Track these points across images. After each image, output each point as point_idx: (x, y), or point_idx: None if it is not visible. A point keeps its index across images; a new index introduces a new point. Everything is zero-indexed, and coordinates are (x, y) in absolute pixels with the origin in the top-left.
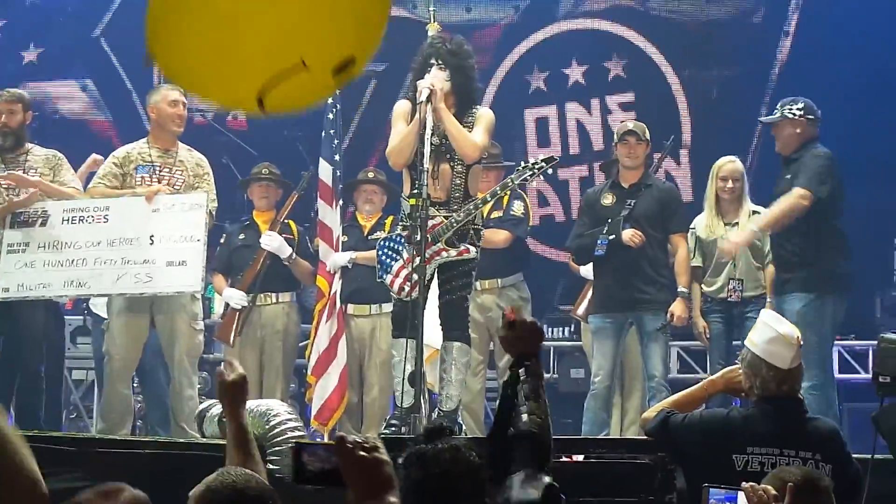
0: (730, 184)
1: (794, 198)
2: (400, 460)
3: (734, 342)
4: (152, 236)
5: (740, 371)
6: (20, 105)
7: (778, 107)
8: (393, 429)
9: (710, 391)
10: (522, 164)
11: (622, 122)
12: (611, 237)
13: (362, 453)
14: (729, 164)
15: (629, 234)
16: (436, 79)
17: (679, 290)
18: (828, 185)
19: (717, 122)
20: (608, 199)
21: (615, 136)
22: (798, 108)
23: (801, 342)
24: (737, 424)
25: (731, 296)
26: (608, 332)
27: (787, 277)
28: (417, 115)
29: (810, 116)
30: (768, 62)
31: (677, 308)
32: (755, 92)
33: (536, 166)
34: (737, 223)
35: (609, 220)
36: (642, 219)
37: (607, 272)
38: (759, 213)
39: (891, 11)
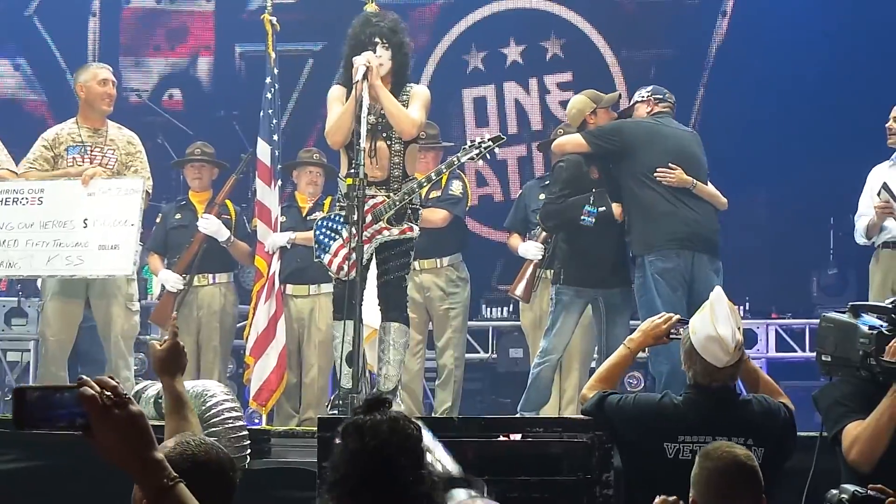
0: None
1: None
2: (338, 429)
3: None
4: (86, 219)
5: (655, 322)
6: None
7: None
8: (336, 410)
9: (632, 349)
10: (469, 142)
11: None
12: (601, 209)
13: (111, 405)
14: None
15: (619, 209)
16: (373, 57)
17: None
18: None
19: None
20: (594, 172)
21: (591, 104)
22: (647, 91)
23: (741, 344)
24: (669, 412)
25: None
26: (578, 307)
27: None
28: (353, 93)
29: (658, 96)
30: (705, 42)
31: None
32: (693, 72)
33: (483, 145)
34: None
35: (594, 190)
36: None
37: (591, 245)
38: None
39: None
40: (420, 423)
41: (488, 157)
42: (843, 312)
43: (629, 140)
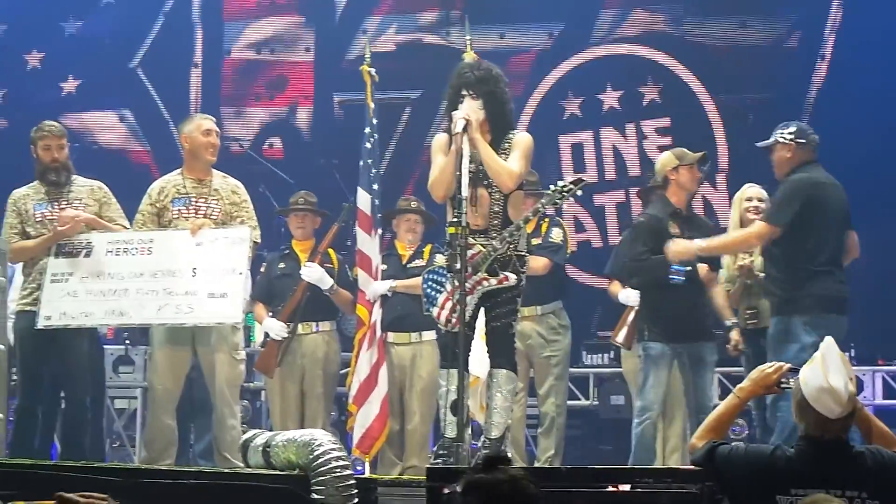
0: (755, 203)
1: (751, 230)
2: (458, 488)
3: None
4: (195, 268)
5: (765, 370)
6: (65, 139)
7: (775, 131)
8: (440, 460)
9: (742, 398)
10: (551, 187)
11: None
12: (688, 268)
13: None
14: (752, 187)
15: (706, 269)
16: (469, 109)
17: (728, 322)
18: (788, 211)
19: (754, 147)
20: (674, 228)
21: (673, 161)
22: (789, 132)
23: (854, 394)
24: (781, 465)
25: (748, 325)
26: (667, 361)
27: (768, 302)
28: (454, 146)
29: (801, 140)
30: (804, 86)
31: (737, 335)
32: (791, 116)
33: (565, 189)
34: (751, 259)
35: None
36: None
37: (677, 301)
38: None
39: None
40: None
41: (581, 201)
42: None
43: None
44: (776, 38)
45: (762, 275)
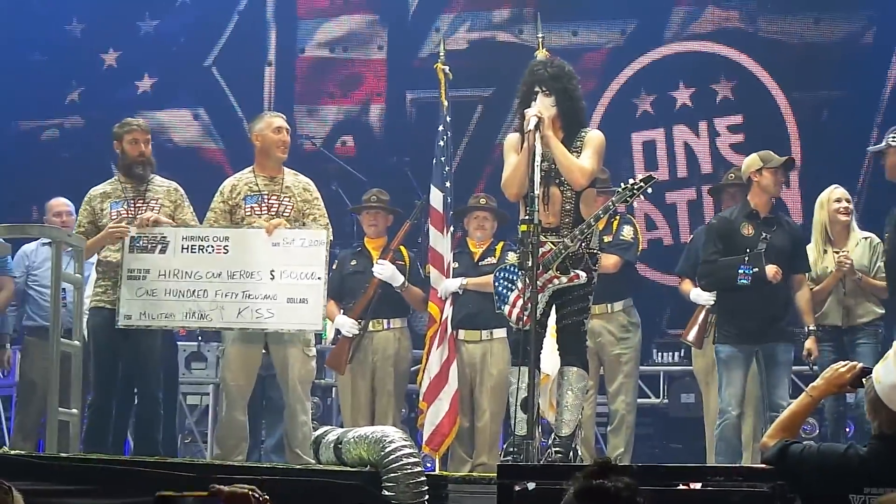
0: (844, 204)
1: None
2: (571, 489)
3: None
4: (272, 271)
5: (838, 369)
6: (150, 134)
7: (887, 135)
8: (511, 457)
9: (815, 397)
10: (622, 185)
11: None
12: (755, 270)
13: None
14: (838, 188)
15: (773, 271)
16: (542, 106)
17: (808, 328)
18: None
19: (827, 145)
20: (747, 229)
21: (757, 163)
22: None
23: None
24: (854, 464)
25: (842, 324)
26: (740, 362)
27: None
28: (526, 144)
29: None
30: (879, 83)
31: (813, 346)
32: (866, 114)
33: (636, 186)
34: (846, 251)
35: (749, 250)
36: (777, 253)
37: (747, 303)
38: (869, 238)
39: None
40: None
41: (652, 198)
42: None
43: None
44: (851, 35)
45: (859, 275)
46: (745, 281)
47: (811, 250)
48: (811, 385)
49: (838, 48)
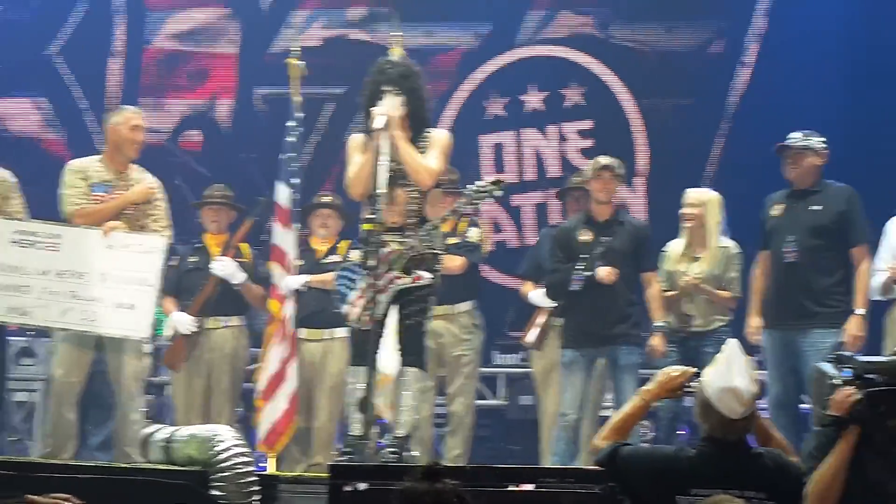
0: (686, 210)
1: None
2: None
3: None
4: (103, 273)
5: (671, 374)
6: None
7: (799, 135)
8: (346, 457)
9: (647, 400)
10: (470, 187)
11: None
12: (586, 273)
13: None
14: (685, 195)
15: (605, 272)
16: (391, 105)
17: (656, 324)
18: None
19: (675, 152)
20: (585, 235)
21: (590, 171)
22: (821, 142)
23: (757, 395)
24: (683, 466)
25: (684, 330)
26: (580, 366)
27: (816, 311)
28: (374, 143)
29: (826, 151)
30: (725, 93)
31: (657, 342)
32: (712, 122)
33: (484, 189)
34: (699, 258)
35: (584, 256)
36: (616, 255)
37: (581, 307)
38: (727, 247)
39: (850, 44)
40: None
41: (500, 201)
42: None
43: None
44: (700, 45)
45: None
46: (576, 287)
47: (674, 243)
48: (643, 388)
49: (688, 57)
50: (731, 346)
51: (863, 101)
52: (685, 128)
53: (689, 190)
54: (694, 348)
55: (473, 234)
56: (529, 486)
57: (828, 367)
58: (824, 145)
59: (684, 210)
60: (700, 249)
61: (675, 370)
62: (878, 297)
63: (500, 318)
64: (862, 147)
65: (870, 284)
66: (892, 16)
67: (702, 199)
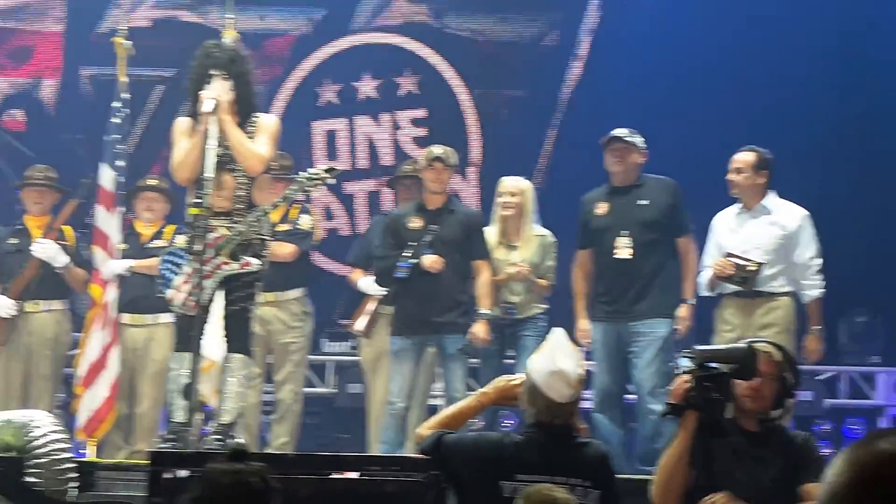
0: (506, 199)
1: (693, 251)
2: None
3: (508, 361)
4: None
5: (511, 381)
6: None
7: (625, 131)
8: (169, 443)
9: (483, 402)
10: (301, 174)
11: (427, 145)
12: (413, 261)
13: None
14: (502, 182)
15: (431, 261)
16: (220, 90)
17: (480, 311)
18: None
19: (507, 142)
20: (415, 223)
21: (423, 161)
22: (642, 140)
23: (583, 378)
24: (508, 451)
25: (504, 317)
26: (408, 354)
27: (650, 302)
28: (201, 128)
29: (646, 150)
30: (558, 85)
31: (479, 329)
32: (545, 113)
33: (316, 176)
34: (517, 246)
35: (413, 244)
36: (447, 243)
37: (408, 295)
38: (543, 237)
39: (682, 39)
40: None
41: (332, 188)
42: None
43: None
44: (534, 37)
45: (538, 280)
46: (402, 274)
47: (490, 232)
48: (482, 390)
49: (522, 49)
50: (557, 333)
51: (691, 95)
52: (518, 119)
53: (504, 179)
54: (512, 334)
55: (305, 222)
56: (353, 475)
57: (682, 361)
58: (645, 145)
59: (502, 199)
60: (515, 238)
61: (516, 378)
62: (706, 293)
63: (331, 305)
64: (689, 142)
65: (697, 278)
66: (721, 11)
67: (519, 188)
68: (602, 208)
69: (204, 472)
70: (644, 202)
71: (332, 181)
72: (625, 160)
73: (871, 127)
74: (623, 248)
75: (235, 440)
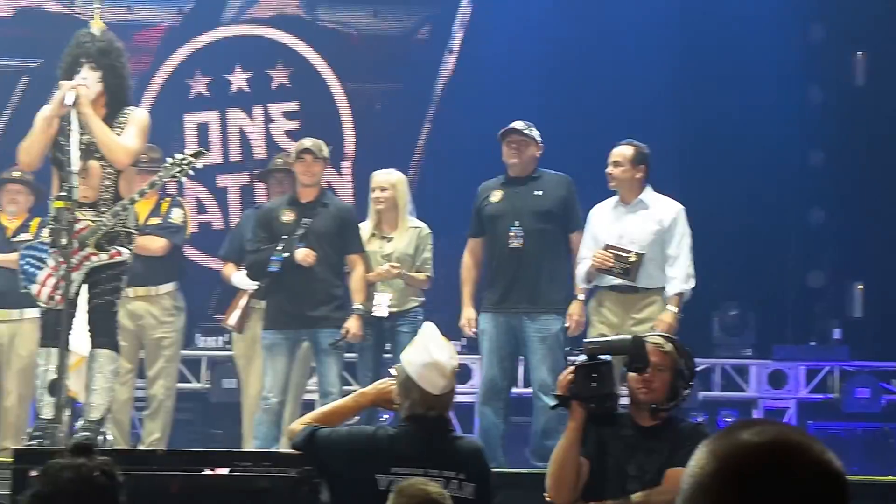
0: (377, 193)
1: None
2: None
3: (384, 355)
4: None
5: (391, 384)
6: None
7: (522, 124)
8: (36, 441)
9: (361, 403)
10: (168, 160)
11: (300, 138)
12: (285, 255)
13: None
14: (375, 176)
15: (303, 254)
16: (88, 80)
17: (354, 306)
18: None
19: (381, 136)
20: (287, 216)
21: (293, 154)
22: (538, 134)
23: (456, 369)
24: (383, 444)
25: (378, 311)
26: (282, 349)
27: (543, 296)
28: (52, 115)
29: (542, 144)
30: (432, 78)
31: (352, 324)
32: (418, 107)
33: (183, 161)
34: (391, 238)
35: (285, 237)
36: (320, 237)
37: (280, 289)
38: (418, 229)
39: (555, 31)
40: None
41: (204, 181)
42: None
43: None
44: (407, 30)
45: (415, 273)
46: (274, 268)
47: (364, 226)
48: (362, 391)
49: (395, 42)
50: (428, 326)
51: (564, 88)
52: (392, 112)
53: (375, 173)
54: (389, 328)
55: (176, 216)
56: (224, 470)
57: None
58: (541, 138)
59: (374, 193)
60: (390, 229)
61: (392, 381)
62: (583, 285)
63: (204, 300)
64: (564, 135)
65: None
66: (594, 4)
67: (391, 181)
68: (496, 196)
69: (44, 467)
70: (538, 193)
71: (200, 166)
72: (521, 153)
73: (744, 123)
74: (515, 237)
75: (106, 436)
